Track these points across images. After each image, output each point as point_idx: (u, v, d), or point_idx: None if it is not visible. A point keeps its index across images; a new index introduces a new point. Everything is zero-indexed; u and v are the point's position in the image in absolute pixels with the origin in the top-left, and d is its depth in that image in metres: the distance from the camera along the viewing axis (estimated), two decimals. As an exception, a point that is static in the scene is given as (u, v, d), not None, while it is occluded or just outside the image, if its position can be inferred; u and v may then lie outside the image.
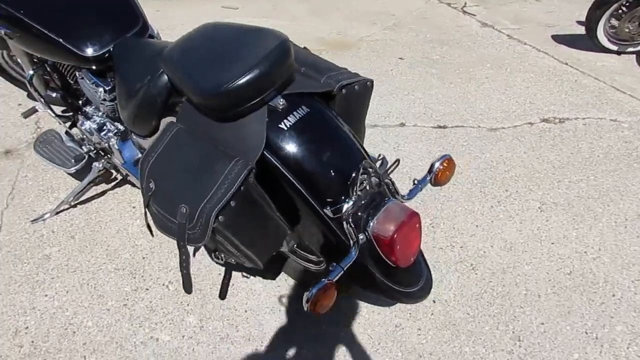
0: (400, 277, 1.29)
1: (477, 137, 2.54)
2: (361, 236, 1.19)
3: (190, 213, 1.11)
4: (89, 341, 1.54)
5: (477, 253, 1.88)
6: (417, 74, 3.13)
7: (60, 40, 1.60)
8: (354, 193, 1.17)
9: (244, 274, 1.75)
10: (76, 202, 2.01)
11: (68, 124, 2.04)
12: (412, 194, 1.31)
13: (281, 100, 1.20)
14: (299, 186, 1.18)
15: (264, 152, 1.17)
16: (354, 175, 1.17)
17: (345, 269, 1.16)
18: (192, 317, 1.62)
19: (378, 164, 1.36)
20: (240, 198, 1.12)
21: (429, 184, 1.35)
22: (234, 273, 1.75)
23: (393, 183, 1.26)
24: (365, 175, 1.19)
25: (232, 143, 1.18)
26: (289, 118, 1.19)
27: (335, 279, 1.14)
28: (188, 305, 1.66)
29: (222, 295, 1.65)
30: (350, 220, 1.17)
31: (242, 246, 1.20)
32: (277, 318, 1.62)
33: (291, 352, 1.53)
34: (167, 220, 1.17)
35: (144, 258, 1.81)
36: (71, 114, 2.01)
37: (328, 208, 1.17)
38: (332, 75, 1.32)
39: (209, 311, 1.64)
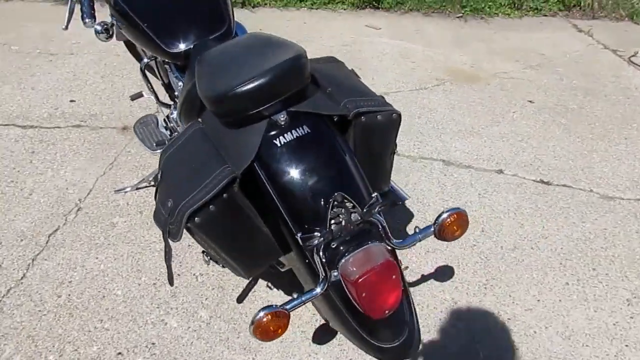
0: (374, 328, 1.17)
1: (584, 202, 2.20)
2: (335, 273, 1.11)
3: (172, 208, 1.15)
4: (111, 308, 1.68)
5: (525, 331, 1.63)
6: (542, 120, 2.82)
7: (153, 35, 1.77)
8: (328, 225, 1.10)
9: (269, 284, 1.75)
10: (155, 182, 2.20)
11: (167, 111, 2.24)
12: (406, 242, 1.18)
13: (283, 115, 1.17)
14: (279, 205, 1.14)
15: (255, 164, 1.15)
16: (326, 206, 1.10)
17: (305, 301, 1.09)
18: (204, 312, 1.67)
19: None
20: (221, 204, 1.12)
21: (432, 237, 1.21)
22: (260, 281, 1.76)
23: (384, 226, 1.15)
24: (342, 210, 1.10)
25: (230, 149, 1.19)
26: (286, 135, 1.16)
27: (291, 309, 1.08)
28: (206, 299, 1.71)
29: (240, 299, 1.67)
30: (321, 253, 1.10)
31: (222, 252, 1.20)
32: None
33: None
34: (159, 211, 1.22)
35: (189, 246, 1.91)
36: (171, 103, 2.21)
37: (300, 234, 1.11)
38: (356, 100, 1.25)
39: (221, 310, 1.68)
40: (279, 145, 1.15)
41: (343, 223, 1.10)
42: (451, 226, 1.18)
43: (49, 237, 1.94)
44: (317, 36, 3.84)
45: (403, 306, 1.19)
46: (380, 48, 3.67)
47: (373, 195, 1.16)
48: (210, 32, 1.76)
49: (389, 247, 1.15)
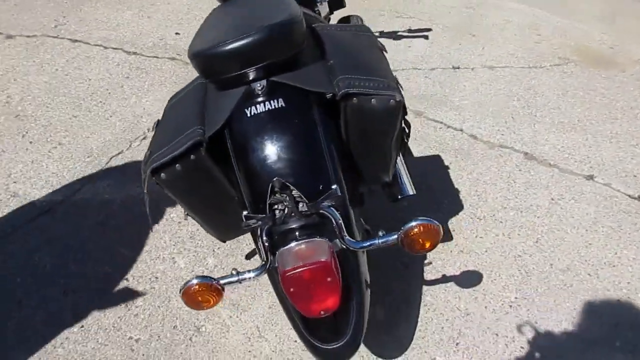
0: (312, 325, 1.09)
1: (684, 235, 1.80)
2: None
3: (147, 157, 1.15)
4: (135, 236, 1.79)
5: (536, 366, 1.42)
6: (674, 126, 2.33)
7: None
8: (268, 210, 1.02)
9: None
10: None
11: None
12: (361, 244, 1.04)
13: (260, 84, 1.08)
14: (238, 178, 1.09)
15: (226, 131, 1.10)
16: (267, 190, 1.01)
17: (239, 280, 1.05)
18: (211, 259, 1.71)
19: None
20: (188, 165, 1.09)
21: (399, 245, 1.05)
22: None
23: (339, 223, 1.02)
24: (286, 197, 1.01)
25: (210, 111, 1.14)
26: (258, 106, 1.08)
27: (225, 284, 1.05)
28: (219, 249, 1.75)
29: (249, 256, 1.67)
30: (265, 237, 1.03)
31: (191, 212, 1.19)
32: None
33: None
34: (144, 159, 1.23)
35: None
36: None
37: (245, 212, 1.05)
38: (353, 78, 1.11)
39: (228, 262, 1.71)
40: (248, 115, 1.07)
41: (286, 211, 1.02)
42: (417, 237, 1.02)
43: (110, 158, 2.11)
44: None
45: (350, 308, 1.08)
46: (507, 15, 3.27)
47: (333, 187, 1.04)
48: None
49: (343, 246, 1.03)
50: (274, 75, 1.09)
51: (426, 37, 2.97)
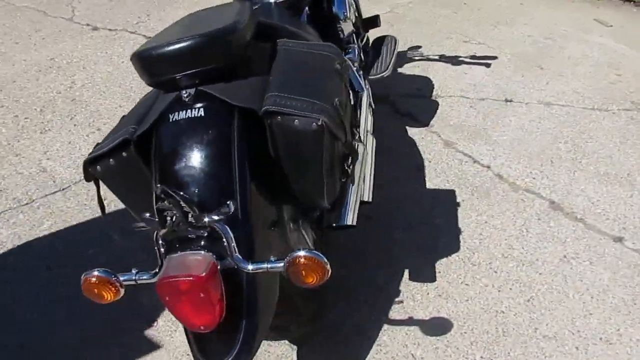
0: (199, 337, 1.07)
1: None
2: None
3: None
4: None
5: None
6: None
7: None
8: (156, 216, 1.02)
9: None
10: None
11: None
12: (249, 265, 1.00)
13: (188, 91, 1.10)
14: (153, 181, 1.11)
15: (153, 133, 1.13)
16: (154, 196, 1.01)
17: (135, 281, 1.06)
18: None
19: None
20: (120, 161, 1.14)
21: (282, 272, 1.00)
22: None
23: (230, 241, 1.00)
24: (173, 206, 1.00)
25: (149, 113, 1.18)
26: (181, 112, 1.09)
27: (124, 281, 1.06)
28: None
29: None
30: (160, 241, 1.04)
31: (126, 205, 1.24)
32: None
33: None
34: None
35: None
36: None
37: (145, 214, 1.06)
38: (283, 97, 1.08)
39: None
40: (170, 120, 1.09)
41: (174, 219, 1.01)
42: (301, 269, 0.97)
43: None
44: (524, 21, 3.32)
45: (239, 328, 1.05)
46: (588, 49, 2.99)
47: (228, 204, 1.02)
48: None
49: (233, 265, 1.01)
50: (205, 84, 1.10)
51: (487, 65, 2.83)
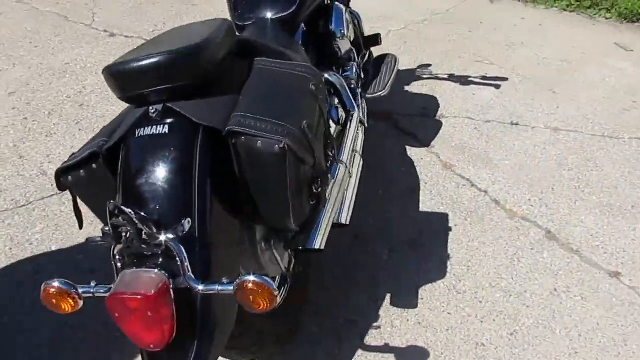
0: (150, 356, 1.06)
1: None
2: None
3: None
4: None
5: None
6: None
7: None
8: (111, 231, 1.02)
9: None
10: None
11: None
12: (203, 285, 0.99)
13: (155, 107, 1.10)
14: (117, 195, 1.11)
15: (122, 147, 1.13)
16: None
17: (93, 293, 1.06)
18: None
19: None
20: (90, 172, 1.15)
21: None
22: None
23: (182, 261, 0.99)
24: (127, 222, 1.00)
25: (120, 126, 1.18)
26: (147, 128, 1.09)
27: (83, 294, 1.07)
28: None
29: None
30: (117, 256, 1.04)
31: (97, 216, 1.24)
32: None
33: None
34: None
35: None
36: None
37: (104, 227, 1.06)
38: (249, 117, 1.07)
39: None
40: (136, 135, 1.09)
41: (127, 235, 1.01)
42: (249, 294, 0.95)
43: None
44: (541, 42, 3.25)
45: (189, 349, 1.04)
46: (606, 73, 2.91)
47: (183, 222, 1.01)
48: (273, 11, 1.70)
49: (186, 285, 1.00)
50: (173, 100, 1.09)
51: (497, 87, 2.78)
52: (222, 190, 1.10)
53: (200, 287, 0.99)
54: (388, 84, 2.08)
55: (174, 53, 1.07)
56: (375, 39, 2.19)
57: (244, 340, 1.28)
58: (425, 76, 2.87)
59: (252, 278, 0.95)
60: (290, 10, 1.68)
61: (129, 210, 0.98)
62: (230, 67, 1.21)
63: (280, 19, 1.67)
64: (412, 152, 2.30)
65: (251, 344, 1.34)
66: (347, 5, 2.28)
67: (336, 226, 1.41)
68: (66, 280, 1.05)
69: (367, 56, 2.22)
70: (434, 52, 3.13)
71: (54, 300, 1.05)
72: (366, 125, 1.87)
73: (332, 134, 1.61)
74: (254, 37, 1.61)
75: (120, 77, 1.09)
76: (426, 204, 2.02)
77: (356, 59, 2.09)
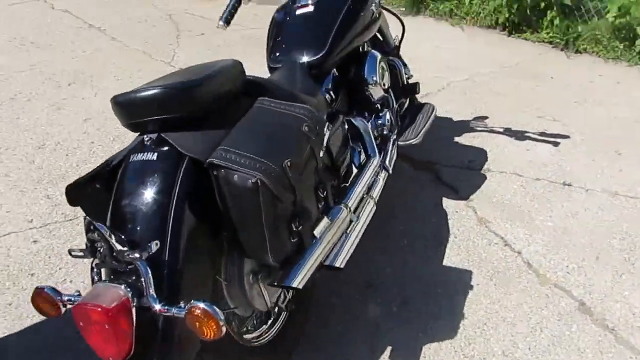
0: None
1: None
2: None
3: None
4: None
5: None
6: None
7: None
8: (88, 245, 1.07)
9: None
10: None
11: None
12: (157, 305, 1.01)
13: (150, 136, 1.17)
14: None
15: (120, 169, 1.21)
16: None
17: (74, 303, 1.12)
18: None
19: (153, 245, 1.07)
20: (94, 190, 1.23)
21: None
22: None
23: (146, 281, 1.02)
24: (101, 239, 1.05)
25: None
26: (140, 154, 1.16)
27: (67, 302, 1.12)
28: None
29: None
30: (94, 269, 1.10)
31: None
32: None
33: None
34: None
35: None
36: None
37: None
38: (232, 152, 1.11)
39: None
40: (130, 160, 1.17)
41: (101, 251, 1.07)
42: (196, 320, 0.96)
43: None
44: (615, 100, 3.06)
45: None
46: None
47: (151, 244, 1.05)
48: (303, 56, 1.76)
49: (147, 305, 1.03)
50: (168, 130, 1.16)
51: (555, 144, 2.65)
52: (203, 219, 1.14)
53: (158, 307, 1.02)
54: (421, 133, 2.05)
55: (169, 87, 1.15)
56: (414, 88, 2.18)
57: None
58: (479, 128, 2.79)
59: (201, 305, 0.97)
60: (318, 56, 1.73)
61: (101, 226, 1.04)
62: (229, 103, 1.27)
63: (309, 64, 1.73)
64: (448, 203, 2.22)
65: None
66: (394, 55, 2.32)
67: (330, 268, 1.40)
68: (54, 288, 1.12)
69: (406, 104, 2.22)
70: (494, 105, 3.05)
71: (40, 304, 1.12)
72: (390, 172, 1.85)
73: (338, 176, 1.62)
74: (280, 78, 1.68)
75: (122, 106, 1.18)
76: (451, 259, 1.93)
77: (393, 105, 2.09)
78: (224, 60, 1.35)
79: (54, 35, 4.05)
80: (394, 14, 2.26)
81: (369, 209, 1.63)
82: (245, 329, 1.44)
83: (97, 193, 1.22)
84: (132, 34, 4.08)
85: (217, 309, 0.97)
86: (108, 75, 3.45)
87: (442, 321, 1.67)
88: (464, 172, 2.44)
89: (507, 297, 1.75)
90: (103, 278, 1.10)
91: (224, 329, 0.97)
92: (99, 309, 0.99)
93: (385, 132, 1.98)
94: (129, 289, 1.04)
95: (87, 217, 1.07)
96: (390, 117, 2.03)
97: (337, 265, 1.42)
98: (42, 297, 1.10)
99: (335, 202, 1.50)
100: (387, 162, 1.87)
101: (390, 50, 2.38)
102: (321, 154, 1.31)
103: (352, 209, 1.53)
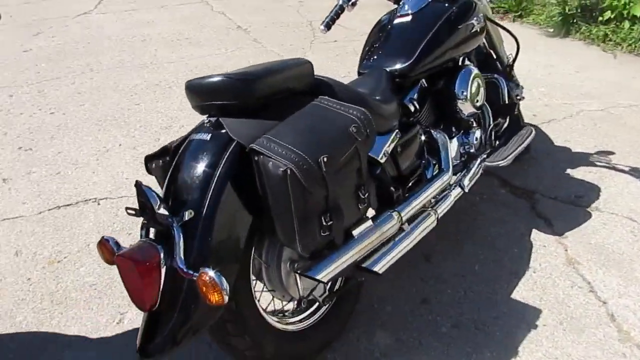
0: (146, 317, 1.21)
1: None
2: None
3: None
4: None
5: None
6: None
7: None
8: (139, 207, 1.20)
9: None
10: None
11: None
12: (179, 266, 1.10)
13: (209, 119, 1.29)
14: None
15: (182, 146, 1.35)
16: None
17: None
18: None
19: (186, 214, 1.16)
20: (164, 163, 1.38)
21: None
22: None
23: (178, 244, 1.13)
24: (144, 202, 1.17)
25: None
26: (198, 134, 1.28)
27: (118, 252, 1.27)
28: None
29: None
30: (143, 228, 1.24)
31: None
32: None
33: None
34: None
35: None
36: None
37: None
38: (272, 140, 1.19)
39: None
40: (189, 138, 1.30)
41: (147, 212, 1.19)
42: (202, 284, 1.05)
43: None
44: None
45: (170, 322, 1.16)
46: None
47: (184, 212, 1.15)
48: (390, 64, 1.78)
49: (174, 267, 1.14)
50: (227, 116, 1.28)
51: None
52: (242, 200, 1.23)
53: (183, 268, 1.13)
54: (510, 156, 1.94)
55: (229, 77, 1.25)
56: (510, 108, 2.07)
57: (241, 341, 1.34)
58: (598, 163, 2.54)
59: (210, 273, 1.07)
60: (404, 65, 1.73)
61: (148, 190, 1.18)
62: (288, 98, 1.34)
63: (394, 72, 1.74)
64: (537, 236, 2.06)
65: (246, 348, 1.38)
66: (506, 73, 2.22)
67: (367, 271, 1.41)
68: (116, 240, 1.29)
69: (505, 124, 2.10)
70: (624, 141, 2.74)
71: (103, 251, 1.28)
72: (465, 190, 1.79)
73: (403, 184, 1.61)
74: (359, 83, 1.72)
75: (191, 90, 1.31)
76: (522, 293, 1.79)
77: (488, 124, 2.01)
78: (298, 59, 1.42)
79: (206, 34, 4.53)
80: (507, 31, 2.16)
81: (428, 222, 1.60)
82: (283, 313, 1.51)
83: (165, 165, 1.38)
84: (272, 37, 4.40)
85: (224, 279, 1.05)
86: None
87: (489, 353, 1.57)
88: (566, 206, 2.24)
89: (574, 346, 1.59)
90: (148, 236, 1.24)
91: (226, 298, 1.05)
92: (132, 262, 1.13)
93: (472, 151, 1.91)
94: (162, 250, 1.16)
95: (138, 181, 1.22)
96: (481, 136, 1.95)
97: (375, 269, 1.42)
98: (104, 246, 1.25)
99: (389, 208, 1.50)
100: (465, 180, 1.81)
101: (502, 68, 2.28)
102: (365, 156, 1.32)
103: (406, 218, 1.51)
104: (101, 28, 4.68)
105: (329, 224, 1.23)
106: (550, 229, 2.10)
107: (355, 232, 1.36)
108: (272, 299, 1.50)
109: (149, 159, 1.40)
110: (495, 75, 2.10)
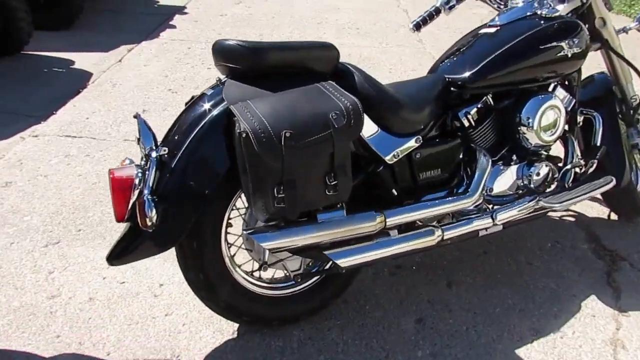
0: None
1: None
2: None
3: None
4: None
5: None
6: None
7: None
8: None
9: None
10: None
11: None
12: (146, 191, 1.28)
13: (219, 80, 1.41)
14: None
15: None
16: None
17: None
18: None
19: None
20: None
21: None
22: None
23: (148, 172, 1.29)
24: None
25: None
26: (207, 91, 1.41)
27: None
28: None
29: None
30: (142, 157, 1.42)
31: None
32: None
33: None
34: None
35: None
36: None
37: None
38: (250, 107, 1.26)
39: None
40: (199, 94, 1.44)
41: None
42: (140, 207, 1.21)
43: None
44: None
45: (137, 237, 1.31)
46: None
47: (159, 149, 1.30)
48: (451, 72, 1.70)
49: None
50: (235, 79, 1.39)
51: None
52: (221, 153, 1.35)
53: (146, 195, 1.28)
54: (566, 202, 1.69)
55: (241, 44, 1.36)
56: (594, 153, 1.77)
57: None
58: None
59: (149, 196, 1.22)
60: (462, 76, 1.63)
61: (141, 124, 1.37)
62: (300, 75, 1.40)
63: (451, 81, 1.65)
64: (591, 304, 1.76)
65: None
66: (630, 117, 1.94)
67: (328, 259, 1.42)
68: (131, 160, 1.49)
69: (591, 168, 1.80)
70: None
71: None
72: (495, 222, 1.64)
73: (411, 191, 1.57)
74: (408, 84, 1.67)
75: (214, 51, 1.44)
76: (530, 353, 1.58)
77: (571, 162, 1.77)
78: (324, 43, 1.46)
79: (377, 27, 4.66)
80: (634, 68, 1.85)
81: (426, 237, 1.52)
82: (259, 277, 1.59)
83: None
84: (438, 41, 4.32)
85: (153, 208, 1.20)
86: (389, 65, 3.82)
87: None
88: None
89: None
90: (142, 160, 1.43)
91: (149, 223, 1.19)
92: (112, 177, 1.33)
93: (530, 186, 1.71)
94: (140, 173, 1.33)
95: (137, 113, 1.42)
96: (547, 173, 1.73)
97: (338, 262, 1.41)
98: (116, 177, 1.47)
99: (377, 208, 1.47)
100: (502, 213, 1.63)
101: (625, 110, 1.97)
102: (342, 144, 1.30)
103: (392, 224, 1.46)
104: (292, 6, 5.14)
105: (281, 196, 1.27)
106: (614, 301, 1.78)
107: (321, 216, 1.38)
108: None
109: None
110: (595, 114, 1.82)
